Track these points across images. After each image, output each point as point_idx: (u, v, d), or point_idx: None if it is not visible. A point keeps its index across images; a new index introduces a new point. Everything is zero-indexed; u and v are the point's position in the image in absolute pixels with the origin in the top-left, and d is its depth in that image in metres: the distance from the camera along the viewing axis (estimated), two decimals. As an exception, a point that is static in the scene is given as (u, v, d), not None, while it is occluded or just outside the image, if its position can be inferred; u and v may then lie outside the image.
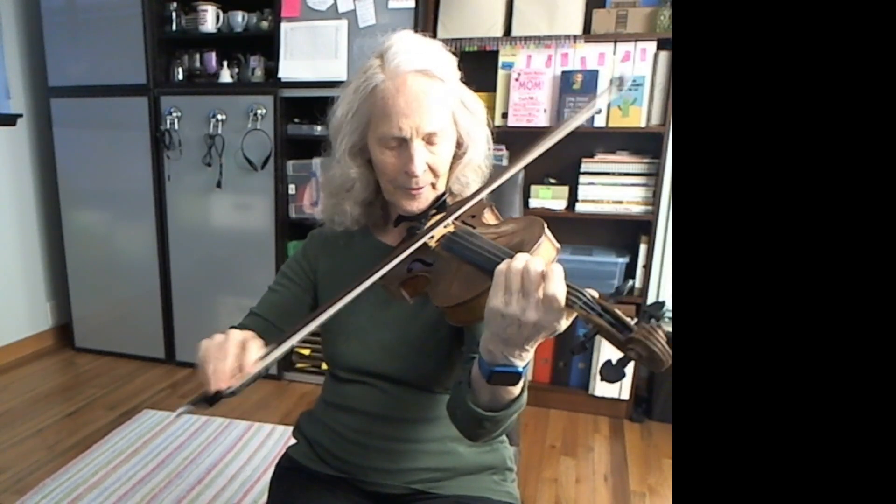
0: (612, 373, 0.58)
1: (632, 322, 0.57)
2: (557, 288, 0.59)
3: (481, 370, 0.68)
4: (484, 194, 0.80)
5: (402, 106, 0.78)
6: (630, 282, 0.61)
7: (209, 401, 0.68)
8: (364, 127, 0.84)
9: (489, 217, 0.83)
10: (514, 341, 0.63)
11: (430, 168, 0.83)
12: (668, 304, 2.43)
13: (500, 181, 0.81)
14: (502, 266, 0.62)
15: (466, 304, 0.68)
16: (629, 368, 0.59)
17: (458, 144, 0.87)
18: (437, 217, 0.81)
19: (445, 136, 0.83)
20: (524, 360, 0.66)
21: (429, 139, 0.81)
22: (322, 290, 0.96)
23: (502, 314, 0.61)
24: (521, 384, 0.69)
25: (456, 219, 0.80)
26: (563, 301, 0.59)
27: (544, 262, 0.61)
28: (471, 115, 0.87)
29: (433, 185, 0.85)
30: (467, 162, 0.88)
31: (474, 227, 0.79)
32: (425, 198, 0.85)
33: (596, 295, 0.61)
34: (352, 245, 0.95)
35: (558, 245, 0.71)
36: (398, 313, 0.88)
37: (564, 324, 0.61)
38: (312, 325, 0.71)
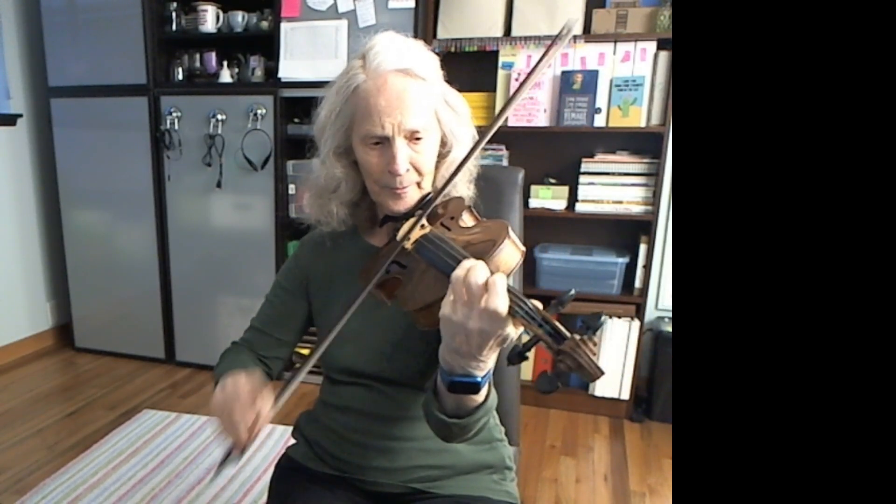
0: (546, 383, 0.60)
1: (568, 334, 0.59)
2: (498, 301, 0.60)
3: (442, 380, 0.70)
4: (458, 182, 0.81)
5: (384, 105, 0.79)
6: (572, 291, 0.63)
7: (239, 457, 0.72)
8: (347, 127, 0.84)
9: (467, 219, 0.83)
10: (465, 351, 0.64)
11: (414, 167, 0.83)
12: (668, 305, 2.43)
13: (467, 160, 0.81)
14: (453, 274, 0.64)
15: (427, 308, 0.69)
16: (562, 379, 0.60)
17: (443, 144, 0.87)
18: (414, 219, 0.81)
19: (428, 135, 0.83)
20: (483, 371, 0.67)
21: (411, 137, 0.81)
22: (316, 294, 0.97)
23: (450, 321, 0.63)
24: (483, 391, 0.70)
25: (432, 220, 0.80)
26: (504, 311, 0.61)
27: (488, 272, 0.62)
28: (454, 114, 0.87)
29: (418, 185, 0.85)
30: (452, 161, 0.88)
31: (450, 230, 0.79)
32: (411, 197, 0.85)
33: (540, 306, 0.62)
34: (340, 247, 0.95)
35: (523, 248, 0.72)
36: (387, 315, 0.88)
37: (513, 331, 0.63)
38: (312, 361, 0.74)
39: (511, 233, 0.70)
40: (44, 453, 2.01)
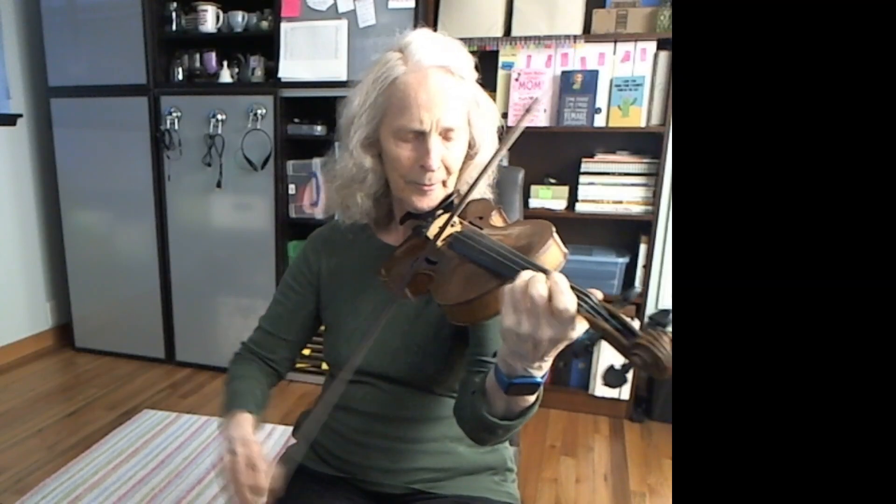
0: (614, 378, 0.57)
1: (637, 328, 0.57)
2: (566, 300, 0.57)
3: (499, 382, 0.67)
4: (482, 183, 0.80)
5: (424, 99, 0.79)
6: (637, 287, 0.60)
7: None
8: (379, 118, 0.84)
9: (497, 219, 0.83)
10: (532, 356, 0.62)
11: (445, 165, 0.83)
12: (668, 305, 2.43)
13: (492, 165, 0.80)
14: (507, 287, 0.61)
15: (469, 303, 0.68)
16: (631, 374, 0.58)
17: (470, 145, 0.87)
18: (445, 216, 0.81)
19: (461, 134, 0.84)
20: (542, 371, 0.65)
21: (445, 135, 0.81)
22: (325, 291, 0.96)
23: (517, 334, 0.60)
24: (537, 392, 0.69)
25: (463, 218, 0.80)
26: (574, 310, 0.57)
27: (547, 274, 0.60)
28: (484, 117, 0.87)
29: (444, 183, 0.85)
30: (477, 163, 0.89)
31: (482, 228, 0.79)
32: (436, 195, 0.85)
33: (601, 296, 0.60)
34: (353, 245, 0.95)
35: (566, 250, 0.69)
36: (400, 313, 0.87)
37: (580, 328, 0.60)
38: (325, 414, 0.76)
39: (555, 234, 0.69)
40: (44, 453, 2.01)
